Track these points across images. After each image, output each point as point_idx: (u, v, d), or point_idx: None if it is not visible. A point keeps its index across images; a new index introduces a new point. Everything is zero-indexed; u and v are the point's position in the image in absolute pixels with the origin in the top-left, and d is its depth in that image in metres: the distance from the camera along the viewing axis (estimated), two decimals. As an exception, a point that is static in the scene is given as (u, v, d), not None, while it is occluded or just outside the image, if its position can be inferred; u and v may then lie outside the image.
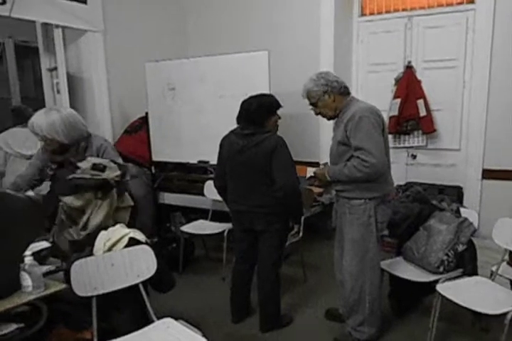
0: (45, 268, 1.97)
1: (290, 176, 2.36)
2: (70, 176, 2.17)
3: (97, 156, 2.39)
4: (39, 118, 2.28)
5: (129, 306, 2.03)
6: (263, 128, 2.43)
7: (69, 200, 2.19)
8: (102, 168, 2.22)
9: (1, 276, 1.68)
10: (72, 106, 3.80)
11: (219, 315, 2.75)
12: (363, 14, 4.22)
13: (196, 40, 4.79)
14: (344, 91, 2.28)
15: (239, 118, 2.49)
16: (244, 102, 2.50)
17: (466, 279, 2.33)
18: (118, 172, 2.28)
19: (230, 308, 2.71)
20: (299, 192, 2.42)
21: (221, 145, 2.59)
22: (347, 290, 2.36)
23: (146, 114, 3.97)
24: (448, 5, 3.80)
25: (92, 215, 2.22)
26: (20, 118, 3.36)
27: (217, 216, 3.50)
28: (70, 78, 3.89)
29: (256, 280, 2.63)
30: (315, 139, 4.17)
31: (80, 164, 2.21)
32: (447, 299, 2.10)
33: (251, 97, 2.51)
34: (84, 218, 2.21)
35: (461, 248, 2.41)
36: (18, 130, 3.40)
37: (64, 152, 2.36)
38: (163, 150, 3.96)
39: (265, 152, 2.35)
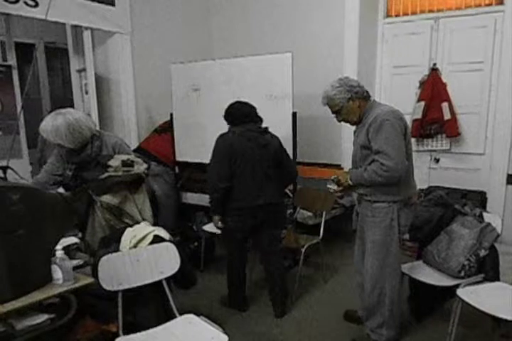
0: (74, 263, 2.05)
1: (293, 162, 2.82)
2: (105, 175, 2.23)
3: (114, 153, 2.40)
4: (45, 124, 2.27)
5: (152, 301, 2.10)
6: None
7: (108, 199, 2.27)
8: (131, 163, 2.29)
9: (34, 269, 1.76)
10: (99, 106, 3.92)
11: (238, 312, 2.80)
12: (388, 15, 4.20)
13: (221, 42, 4.85)
14: (367, 96, 2.28)
15: (246, 117, 2.63)
16: (239, 103, 2.70)
17: (488, 284, 2.31)
18: (145, 165, 2.37)
19: (232, 302, 2.85)
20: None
21: (229, 145, 2.57)
22: (367, 292, 2.37)
23: (171, 115, 4.04)
24: (476, 6, 3.75)
25: (140, 207, 2.34)
26: None
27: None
28: (98, 79, 3.98)
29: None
30: (337, 141, 4.17)
31: (109, 162, 2.28)
32: (467, 304, 2.09)
33: (241, 101, 2.73)
34: (136, 211, 2.33)
35: (483, 253, 2.39)
36: None
37: (80, 152, 2.35)
38: (186, 151, 4.03)
39: (278, 146, 2.68)
